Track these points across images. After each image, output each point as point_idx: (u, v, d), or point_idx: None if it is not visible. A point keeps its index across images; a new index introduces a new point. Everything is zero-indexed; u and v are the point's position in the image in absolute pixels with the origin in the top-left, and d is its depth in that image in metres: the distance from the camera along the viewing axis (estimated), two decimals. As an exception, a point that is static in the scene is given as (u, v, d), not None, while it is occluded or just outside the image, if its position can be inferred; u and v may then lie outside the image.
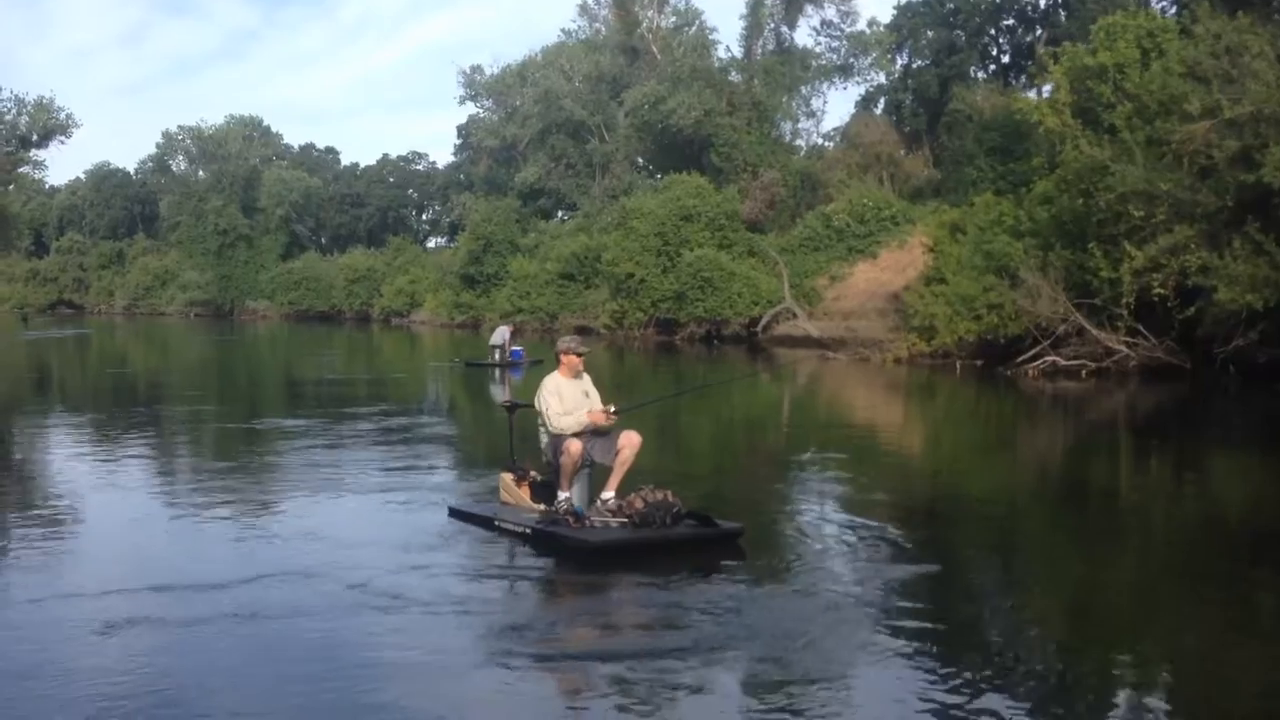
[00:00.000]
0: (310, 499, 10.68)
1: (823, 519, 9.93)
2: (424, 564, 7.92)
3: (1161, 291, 22.39)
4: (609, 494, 8.69)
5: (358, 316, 78.95)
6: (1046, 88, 35.77)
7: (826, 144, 60.86)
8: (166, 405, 21.80)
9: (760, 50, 55.68)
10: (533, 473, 9.41)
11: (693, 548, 8.28)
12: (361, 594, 7.09)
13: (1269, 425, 17.47)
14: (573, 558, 8.16)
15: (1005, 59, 61.72)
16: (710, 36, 59.85)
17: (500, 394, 22.09)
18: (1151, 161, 23.12)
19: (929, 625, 6.48)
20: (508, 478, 9.44)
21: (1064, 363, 24.11)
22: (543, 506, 8.96)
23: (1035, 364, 24.53)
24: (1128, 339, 23.62)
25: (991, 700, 5.29)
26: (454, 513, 9.52)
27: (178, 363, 38.76)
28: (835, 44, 56.96)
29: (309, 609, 6.81)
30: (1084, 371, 24.00)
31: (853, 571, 7.78)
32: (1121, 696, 5.53)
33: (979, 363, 27.39)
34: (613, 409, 8.99)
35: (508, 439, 9.88)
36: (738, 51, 57.12)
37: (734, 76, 55.59)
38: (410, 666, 5.86)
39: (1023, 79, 59.51)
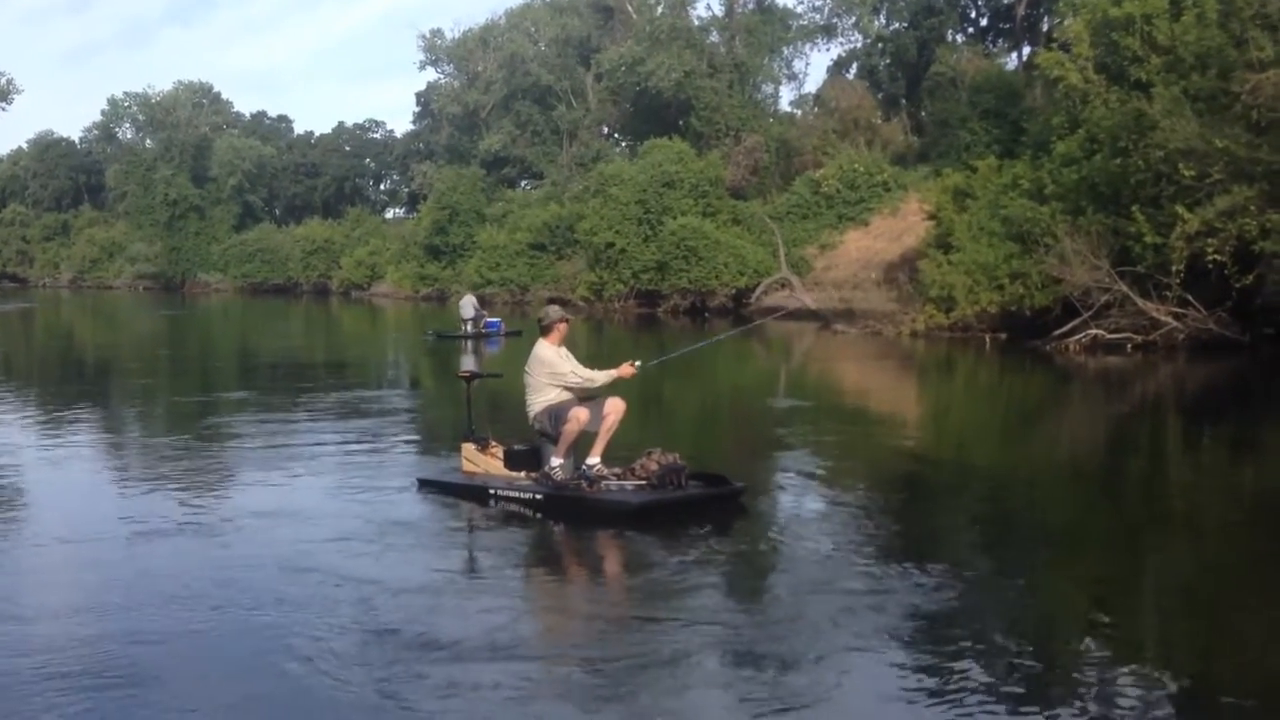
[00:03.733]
0: (267, 475, 10.37)
1: (857, 503, 9.52)
2: (393, 540, 7.84)
3: (1218, 258, 20.44)
4: (595, 459, 8.75)
5: (315, 289, 76.22)
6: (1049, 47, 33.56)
7: (795, 111, 59.11)
8: (113, 380, 21.07)
9: (741, 9, 53.30)
10: (493, 442, 9.41)
11: (703, 505, 8.58)
12: (331, 575, 6.90)
13: None
14: (599, 520, 8.36)
15: (984, 22, 60.34)
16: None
17: (466, 365, 21.25)
18: (1205, 116, 21.10)
19: (928, 614, 6.17)
20: (470, 447, 9.44)
21: (1108, 336, 22.07)
22: (524, 474, 9.02)
23: (1075, 338, 22.46)
24: (1176, 310, 21.64)
25: (974, 686, 5.13)
26: (424, 484, 9.50)
27: (126, 337, 37.10)
28: (819, 2, 54.75)
29: (270, 595, 6.55)
30: (1129, 346, 22.03)
31: (862, 556, 7.52)
32: (1122, 687, 5.16)
33: (1003, 336, 25.39)
34: (638, 363, 9.13)
35: (465, 410, 9.83)
36: (718, 10, 54.74)
37: (714, 37, 53.18)
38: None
39: (1001, 42, 58.22)
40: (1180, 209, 20.84)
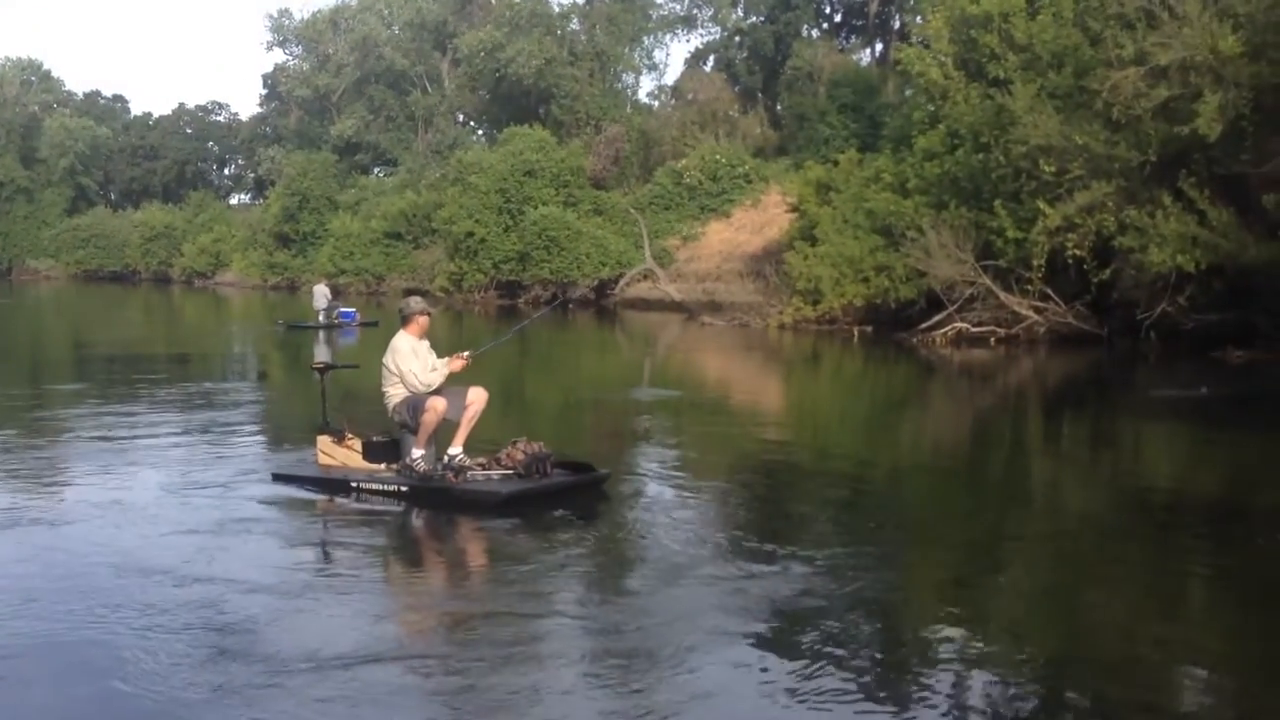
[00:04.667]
0: (104, 469, 9.83)
1: (708, 492, 9.61)
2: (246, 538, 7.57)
3: (1077, 253, 20.85)
4: (456, 449, 8.69)
5: (155, 277, 73.00)
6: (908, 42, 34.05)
7: (652, 102, 59.03)
8: None
9: (602, -3, 52.91)
10: (349, 434, 9.18)
11: (569, 493, 8.61)
12: (171, 575, 6.54)
13: (1195, 397, 15.85)
14: (466, 511, 8.29)
15: (838, 18, 61.36)
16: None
17: (320, 356, 21.05)
18: (1066, 113, 21.52)
19: (788, 601, 6.16)
20: (325, 440, 9.25)
21: (972, 329, 22.35)
22: (383, 466, 8.91)
23: (941, 331, 22.70)
24: (1037, 304, 22.04)
25: (832, 674, 5.13)
26: (279, 478, 9.25)
27: None
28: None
29: (102, 597, 6.15)
30: (993, 339, 22.36)
31: (716, 550, 7.39)
32: (978, 675, 5.19)
33: (868, 329, 25.58)
34: (467, 354, 8.99)
35: (319, 402, 9.66)
36: (579, -2, 54.17)
37: (574, 24, 52.57)
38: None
39: (854, 39, 59.31)
40: (1041, 204, 21.19)
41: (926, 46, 28.54)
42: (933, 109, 27.22)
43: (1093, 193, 20.59)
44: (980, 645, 5.62)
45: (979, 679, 5.16)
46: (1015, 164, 22.43)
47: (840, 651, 5.45)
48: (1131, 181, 20.57)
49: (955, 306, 22.65)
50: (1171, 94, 19.52)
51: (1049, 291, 22.08)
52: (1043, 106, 21.99)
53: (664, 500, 8.95)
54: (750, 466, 10.86)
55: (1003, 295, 22.14)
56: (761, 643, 5.56)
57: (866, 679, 5.16)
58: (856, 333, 25.42)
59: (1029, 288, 22.10)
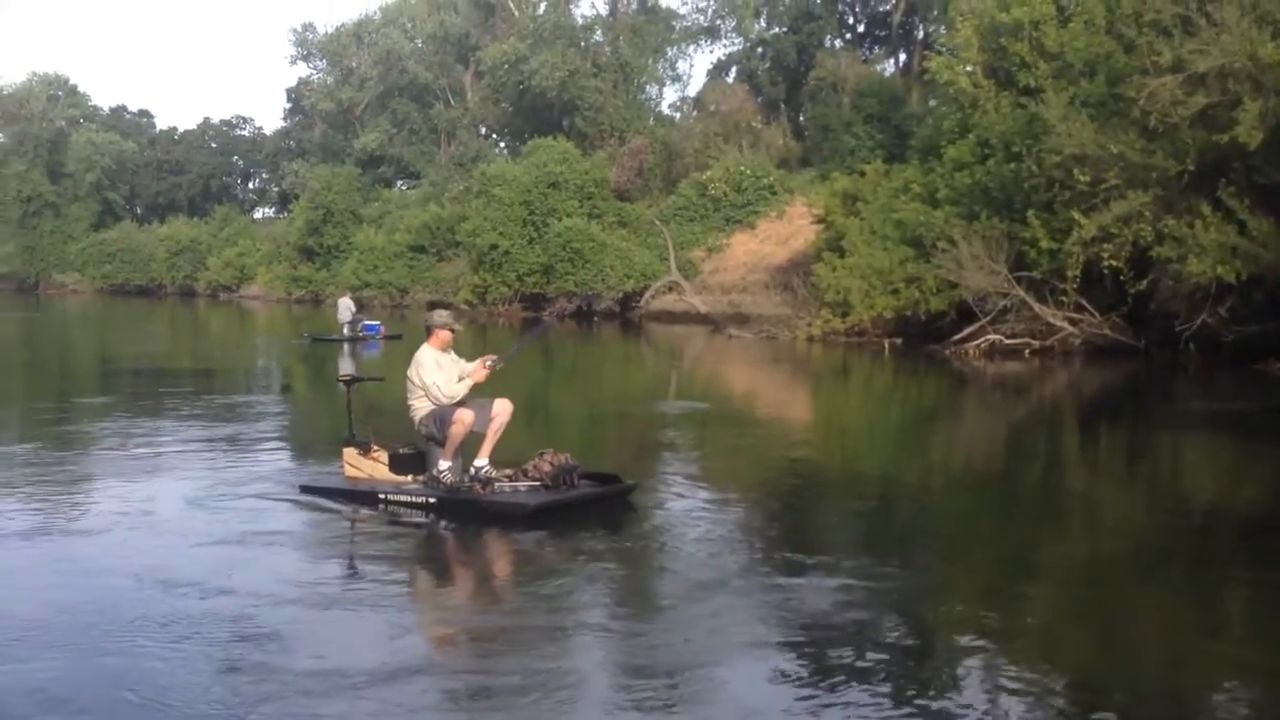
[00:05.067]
0: (130, 482, 9.75)
1: (739, 506, 9.48)
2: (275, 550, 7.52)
3: (1113, 263, 20.49)
4: (483, 461, 8.67)
5: (181, 291, 73.09)
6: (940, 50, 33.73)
7: (674, 114, 58.83)
8: None
9: (625, 8, 52.70)
10: (375, 446, 9.14)
11: (595, 505, 8.56)
12: (196, 588, 6.43)
13: (1236, 409, 15.52)
14: (494, 522, 8.23)
15: (861, 28, 61.14)
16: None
17: (345, 369, 21.07)
18: (1100, 122, 21.19)
19: (818, 616, 6.04)
20: (351, 452, 9.21)
21: (1006, 341, 22.00)
22: (410, 478, 8.89)
23: (974, 343, 22.35)
24: (1072, 315, 21.67)
25: (862, 690, 5.03)
26: (307, 490, 9.19)
27: None
28: (703, 3, 54.48)
29: (126, 610, 6.03)
30: (1027, 351, 22.00)
31: (748, 560, 7.41)
32: (1010, 690, 5.06)
33: (898, 341, 25.25)
34: (490, 361, 8.84)
35: (345, 415, 9.53)
36: (602, 9, 54.05)
37: (598, 36, 52.43)
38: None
39: (877, 49, 59.01)
40: (1076, 214, 20.85)
41: (954, 55, 28.26)
42: (962, 118, 26.93)
43: (1129, 202, 20.24)
44: (1015, 661, 5.49)
45: (1014, 696, 5.05)
46: (1048, 173, 22.11)
47: (875, 666, 5.34)
48: (1169, 191, 20.23)
49: (988, 318, 22.30)
50: (1210, 101, 19.18)
51: (1084, 303, 21.74)
52: (1076, 115, 21.66)
53: (693, 512, 8.86)
54: (780, 478, 10.72)
55: (1037, 306, 21.81)
56: (796, 656, 5.44)
57: (902, 694, 5.04)
58: (887, 345, 25.10)
59: (1064, 299, 21.74)
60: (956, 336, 22.93)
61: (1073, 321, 21.83)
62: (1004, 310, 22.33)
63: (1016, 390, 19.27)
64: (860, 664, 5.36)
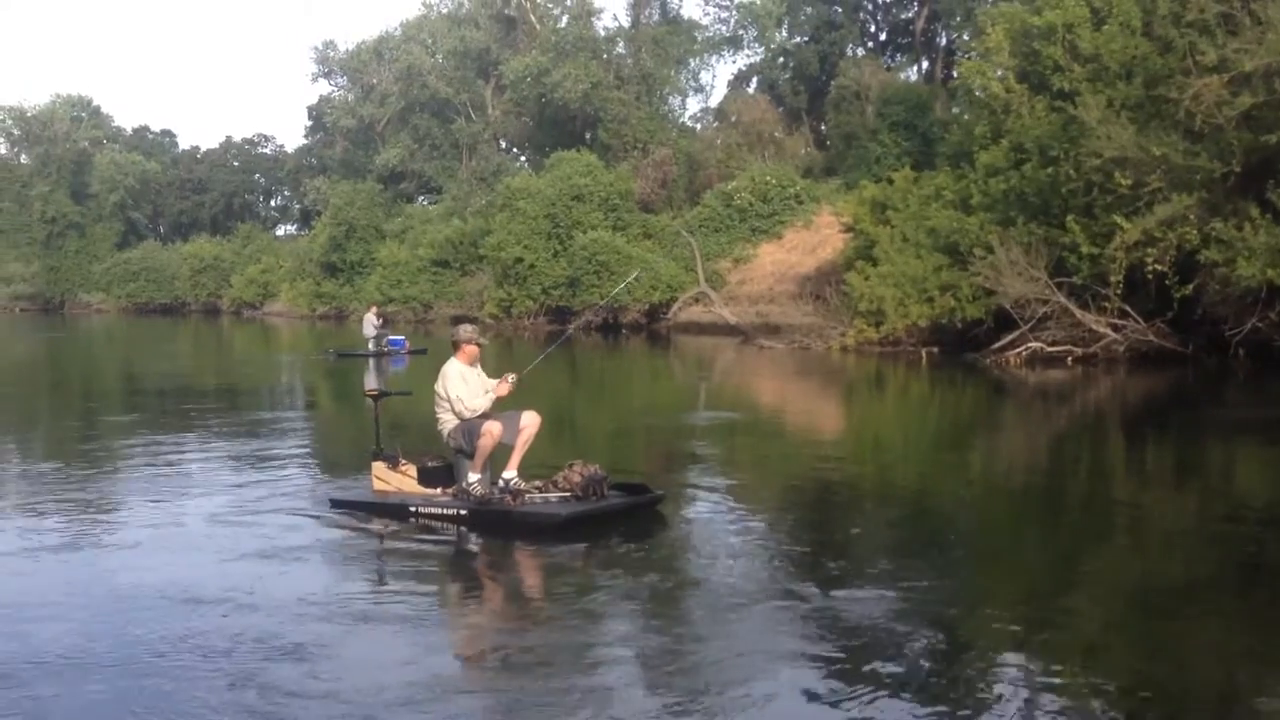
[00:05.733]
0: (156, 499, 9.74)
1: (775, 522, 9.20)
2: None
3: (1158, 267, 20.02)
4: (511, 473, 8.72)
5: (205, 309, 73.35)
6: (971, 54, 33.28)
7: (694, 125, 58.52)
8: None
9: (646, 19, 52.48)
10: (403, 459, 9.17)
11: (624, 515, 8.55)
12: (220, 603, 6.41)
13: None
14: (525, 533, 8.23)
15: (883, 36, 60.79)
16: (593, 3, 55.99)
17: (371, 384, 21.10)
18: (1139, 124, 20.75)
19: (851, 628, 5.94)
20: (380, 466, 9.24)
21: (1048, 349, 21.51)
22: (439, 490, 8.93)
23: (1016, 351, 21.88)
24: (1115, 321, 21.18)
25: (899, 713, 4.85)
26: (337, 504, 9.22)
27: (2, 360, 34.73)
28: (724, 14, 54.23)
29: (151, 626, 6.01)
30: (1070, 359, 21.52)
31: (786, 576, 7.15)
32: (1050, 705, 4.93)
33: (934, 350, 24.79)
34: (512, 377, 8.89)
35: (373, 428, 9.55)
36: (624, 20, 53.81)
37: (620, 48, 52.20)
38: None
39: (899, 57, 58.62)
40: (1118, 219, 20.40)
41: (986, 59, 27.84)
42: (994, 123, 26.50)
43: (1173, 205, 19.80)
44: (1056, 674, 5.36)
45: (1051, 707, 4.93)
46: (1087, 177, 21.68)
47: (916, 680, 5.21)
48: (1214, 193, 19.78)
49: (1029, 326, 21.82)
50: (1256, 101, 18.74)
51: (1127, 308, 21.23)
52: (1115, 117, 21.21)
53: (726, 523, 8.82)
54: (815, 488, 10.57)
55: (1078, 313, 21.31)
56: (831, 672, 5.32)
57: (945, 710, 4.90)
58: (925, 354, 24.64)
59: (1106, 305, 21.26)
60: (996, 345, 22.45)
61: (1116, 328, 21.33)
62: (1044, 317, 21.84)
63: (1059, 398, 18.81)
64: (901, 678, 5.22)
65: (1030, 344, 21.74)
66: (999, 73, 26.60)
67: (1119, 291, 20.90)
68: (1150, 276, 20.39)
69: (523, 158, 64.39)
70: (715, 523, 8.81)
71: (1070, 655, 5.63)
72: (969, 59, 28.47)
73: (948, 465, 12.30)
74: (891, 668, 5.34)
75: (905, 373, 22.70)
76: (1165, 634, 5.99)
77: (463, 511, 8.60)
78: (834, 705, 4.92)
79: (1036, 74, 25.58)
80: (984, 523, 9.22)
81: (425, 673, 5.35)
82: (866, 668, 5.35)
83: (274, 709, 4.87)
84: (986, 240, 23.30)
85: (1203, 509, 9.55)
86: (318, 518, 8.89)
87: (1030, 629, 6.01)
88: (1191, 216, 19.67)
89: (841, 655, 5.54)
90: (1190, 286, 20.02)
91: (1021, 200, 23.98)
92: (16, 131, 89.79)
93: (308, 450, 13.60)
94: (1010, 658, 5.60)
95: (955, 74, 54.03)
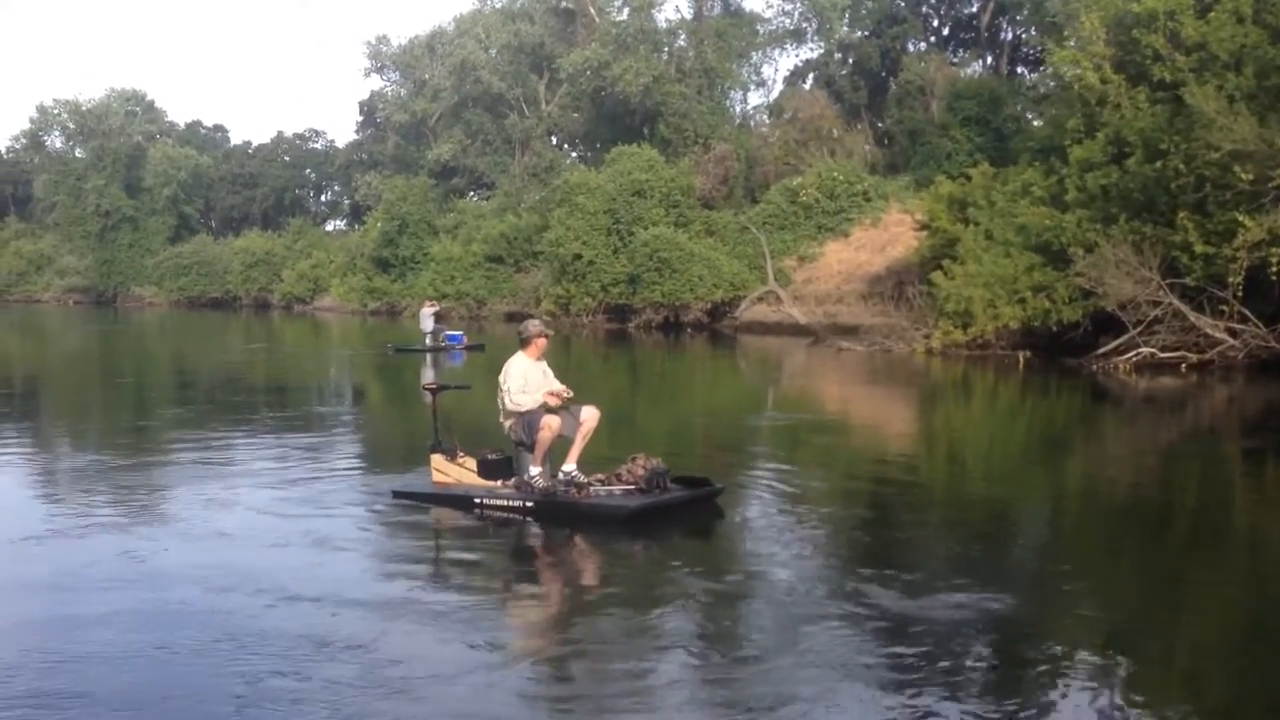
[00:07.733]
0: (208, 492, 9.68)
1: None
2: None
3: (1285, 268, 18.58)
4: (570, 465, 8.77)
5: (256, 303, 73.08)
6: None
7: (751, 121, 57.16)
8: (43, 397, 20.22)
9: (709, 12, 51.25)
10: (460, 452, 9.26)
11: (687, 509, 8.64)
12: (273, 594, 6.37)
13: None
14: (591, 526, 8.24)
15: (945, 31, 59.29)
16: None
17: (429, 377, 20.76)
18: (1258, 115, 19.32)
19: (915, 638, 5.66)
20: (439, 458, 9.33)
21: (1161, 355, 20.09)
22: (499, 483, 8.97)
23: (1125, 357, 20.47)
24: (1233, 325, 19.74)
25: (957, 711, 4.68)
26: (399, 495, 9.27)
27: (56, 352, 34.62)
28: (788, 6, 52.87)
29: (203, 620, 5.95)
30: (1183, 365, 20.09)
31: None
32: None
33: (1028, 353, 23.40)
34: (565, 392, 8.92)
35: (431, 421, 9.63)
36: (686, 13, 52.58)
37: (681, 41, 51.00)
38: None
39: (962, 52, 57.07)
40: (1239, 216, 18.97)
41: (1080, 48, 26.40)
42: (1088, 116, 25.07)
43: (1302, 201, 18.35)
44: (1143, 693, 5.13)
45: None
46: (1199, 172, 20.27)
47: (991, 700, 4.97)
48: (1345, 188, 18.31)
49: (1137, 330, 20.40)
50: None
51: (1246, 312, 19.78)
52: (1231, 109, 19.77)
53: (796, 527, 8.64)
54: (890, 493, 10.16)
55: (1193, 316, 19.88)
56: (902, 682, 5.11)
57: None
58: (1021, 358, 23.24)
59: (1223, 308, 19.82)
60: (1102, 349, 21.06)
61: (1234, 333, 19.89)
62: (1153, 321, 20.43)
63: (1169, 408, 17.52)
64: (975, 695, 5.01)
65: (1141, 349, 20.30)
66: (1096, 61, 25.21)
67: (1238, 294, 19.45)
68: (1274, 278, 18.94)
69: (574, 154, 63.49)
70: (787, 528, 8.58)
71: (1162, 676, 5.41)
72: (1063, 48, 26.92)
73: (1050, 475, 11.68)
74: (968, 686, 5.12)
75: (1000, 378, 21.35)
76: (1267, 668, 5.54)
77: (529, 504, 8.62)
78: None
79: (1135, 64, 24.19)
80: (1076, 535, 8.79)
81: (477, 661, 5.38)
82: (945, 680, 5.14)
83: (322, 695, 4.86)
84: (1086, 239, 21.91)
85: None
86: (379, 508, 8.92)
87: (1115, 648, 5.68)
88: (1321, 214, 18.22)
89: (915, 665, 5.34)
90: (1318, 289, 18.58)
91: (1124, 197, 22.60)
92: (72, 125, 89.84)
93: (366, 442, 13.58)
94: (1092, 681, 5.26)
95: (1020, 70, 52.61)
